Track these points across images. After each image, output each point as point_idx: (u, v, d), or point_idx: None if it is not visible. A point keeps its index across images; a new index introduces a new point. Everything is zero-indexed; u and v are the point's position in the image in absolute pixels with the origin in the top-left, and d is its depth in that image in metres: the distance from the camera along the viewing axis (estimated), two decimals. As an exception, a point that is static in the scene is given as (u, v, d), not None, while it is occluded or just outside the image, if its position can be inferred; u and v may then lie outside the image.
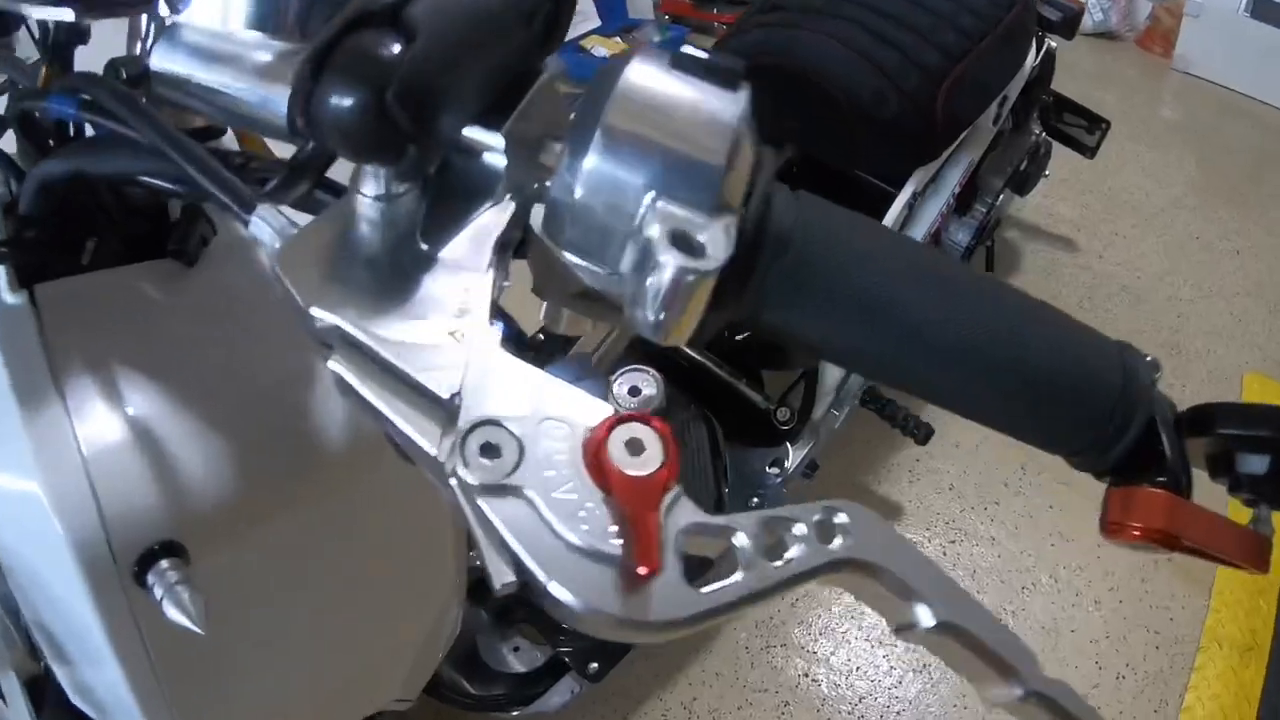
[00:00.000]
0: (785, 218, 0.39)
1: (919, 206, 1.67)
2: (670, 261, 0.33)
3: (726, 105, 0.37)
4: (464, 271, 0.39)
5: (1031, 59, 1.90)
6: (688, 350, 1.57)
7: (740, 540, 0.34)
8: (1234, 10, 3.48)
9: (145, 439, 0.57)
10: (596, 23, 3.41)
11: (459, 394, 0.34)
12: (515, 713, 1.41)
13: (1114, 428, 0.43)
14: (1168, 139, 3.29)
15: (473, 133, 0.39)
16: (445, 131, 0.38)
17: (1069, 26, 1.98)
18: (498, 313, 0.38)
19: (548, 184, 0.37)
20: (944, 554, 1.90)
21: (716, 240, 0.34)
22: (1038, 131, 2.20)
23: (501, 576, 0.31)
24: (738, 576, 0.34)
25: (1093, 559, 1.88)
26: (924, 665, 1.69)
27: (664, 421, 0.33)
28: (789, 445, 1.64)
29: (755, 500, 1.61)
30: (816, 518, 0.36)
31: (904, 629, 0.38)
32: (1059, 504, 1.96)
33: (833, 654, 1.72)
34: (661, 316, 0.34)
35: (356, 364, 0.35)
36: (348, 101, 0.34)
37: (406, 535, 0.79)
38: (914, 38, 1.53)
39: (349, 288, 0.37)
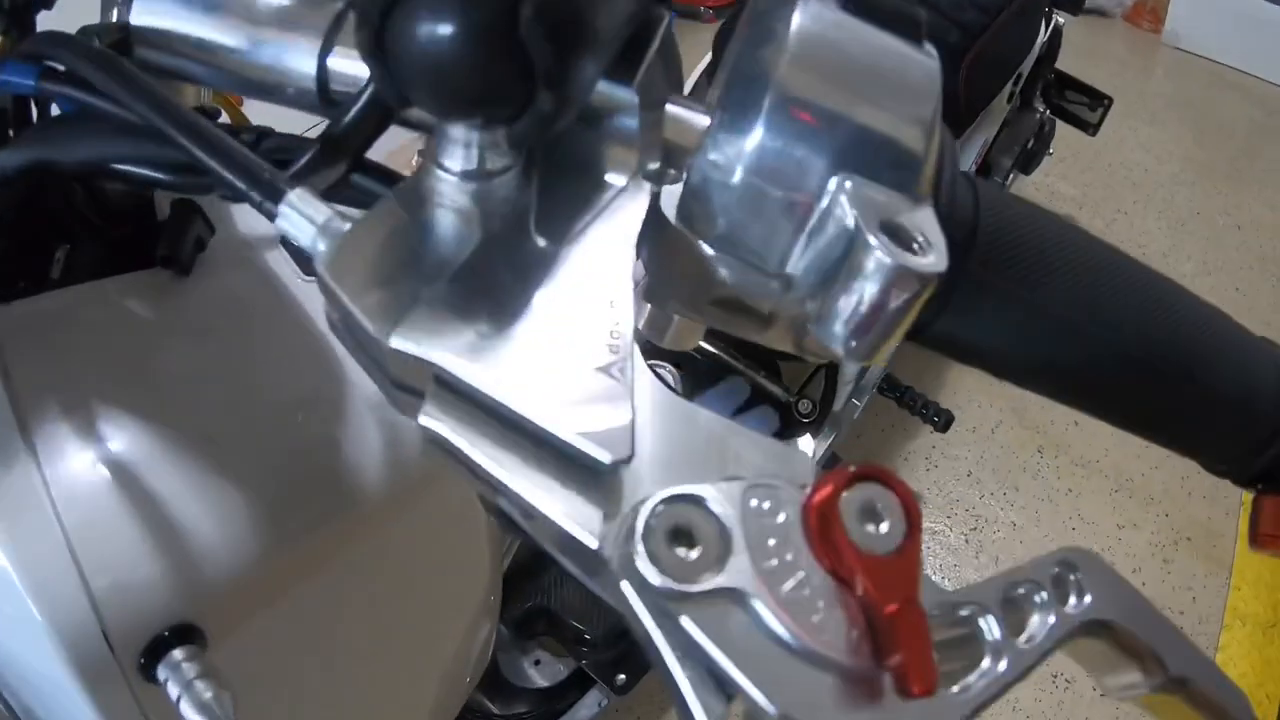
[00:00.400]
0: (966, 207, 0.32)
1: None
2: (887, 260, 0.24)
3: (922, 64, 0.29)
4: (605, 278, 0.28)
5: (1041, 35, 1.86)
6: (701, 342, 1.50)
7: (988, 625, 0.27)
8: (1223, -17, 3.50)
9: (140, 495, 0.44)
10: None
11: (629, 459, 0.24)
12: None
13: (1268, 433, 0.40)
14: (1163, 114, 3.29)
15: (601, 88, 0.29)
16: (587, 78, 0.27)
17: (1074, 2, 1.97)
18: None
19: (690, 164, 0.28)
20: (966, 542, 1.86)
21: (934, 235, 0.25)
22: (1042, 109, 2.18)
23: (710, 715, 0.21)
24: (986, 664, 0.26)
25: (1114, 541, 1.87)
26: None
27: (899, 479, 0.24)
28: (810, 437, 1.56)
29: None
30: (1054, 572, 0.29)
31: (1126, 689, 0.32)
32: (1077, 487, 1.95)
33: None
34: (863, 336, 0.25)
35: (463, 419, 0.24)
36: (456, 25, 0.23)
37: (445, 565, 0.69)
38: (935, 15, 1.48)
39: (439, 307, 0.26)
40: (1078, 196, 2.84)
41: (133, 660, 0.42)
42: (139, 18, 0.37)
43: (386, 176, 0.34)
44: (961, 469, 1.93)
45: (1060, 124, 2.29)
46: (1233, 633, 1.77)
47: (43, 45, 0.38)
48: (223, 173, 0.30)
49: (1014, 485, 1.91)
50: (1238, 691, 0.35)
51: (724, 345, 1.49)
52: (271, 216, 0.28)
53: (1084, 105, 2.31)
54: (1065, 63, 2.18)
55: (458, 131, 0.27)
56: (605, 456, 0.24)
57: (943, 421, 1.65)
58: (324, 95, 0.35)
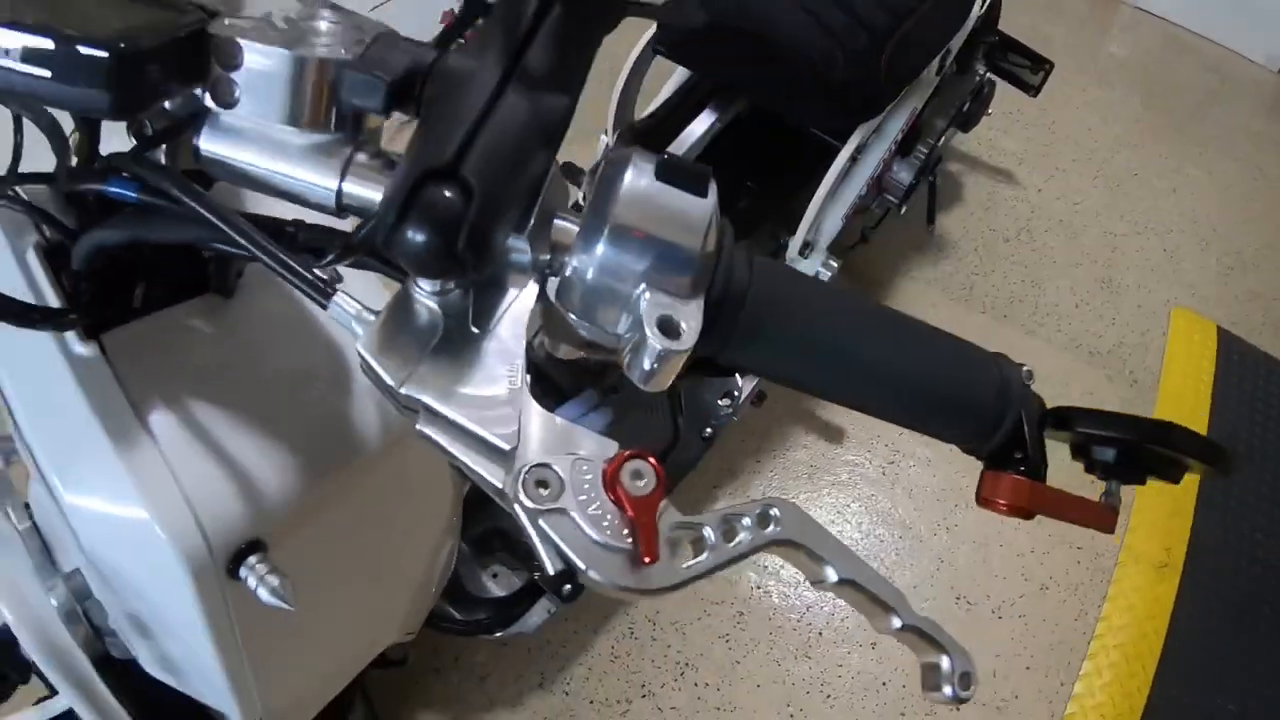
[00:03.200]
0: (741, 279, 0.49)
1: (861, 158, 1.73)
2: (657, 346, 0.44)
3: (700, 208, 0.46)
4: (508, 347, 0.48)
5: (977, 9, 1.94)
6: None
7: (707, 532, 0.47)
8: (1186, -56, 3.43)
9: (221, 456, 0.65)
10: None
11: (516, 446, 0.44)
12: (499, 634, 1.50)
13: (990, 424, 0.54)
14: (1114, 75, 3.29)
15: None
16: (497, 253, 0.46)
17: None
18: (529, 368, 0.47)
19: (564, 262, 0.47)
20: (884, 474, 2.06)
21: (691, 325, 0.45)
22: (982, 71, 2.23)
23: (555, 567, 0.42)
24: (705, 556, 0.46)
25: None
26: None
27: (657, 458, 0.44)
28: (739, 377, 1.71)
29: (709, 430, 1.72)
30: (758, 512, 0.48)
31: (817, 583, 0.51)
32: (992, 428, 2.08)
33: (782, 568, 1.84)
34: (650, 379, 0.45)
35: (439, 426, 0.45)
36: (426, 246, 0.42)
37: (421, 495, 0.88)
38: None
39: (423, 366, 0.45)
40: (1018, 153, 2.87)
41: (223, 566, 0.62)
42: (205, 147, 0.49)
43: (385, 264, 0.53)
44: (882, 406, 2.08)
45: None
46: (1126, 569, 1.93)
47: (142, 170, 0.54)
48: (288, 279, 0.48)
49: (929, 423, 2.07)
50: (891, 588, 0.52)
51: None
52: (324, 306, 0.47)
53: (1026, 68, 2.35)
54: (1026, 17, 2.23)
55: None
56: (506, 445, 0.43)
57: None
58: (339, 207, 0.49)
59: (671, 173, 0.47)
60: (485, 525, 1.48)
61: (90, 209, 0.64)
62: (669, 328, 0.44)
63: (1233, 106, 3.26)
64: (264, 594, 0.60)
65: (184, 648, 0.70)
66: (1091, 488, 0.56)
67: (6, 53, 0.45)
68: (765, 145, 1.85)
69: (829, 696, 1.75)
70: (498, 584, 1.54)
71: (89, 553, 0.64)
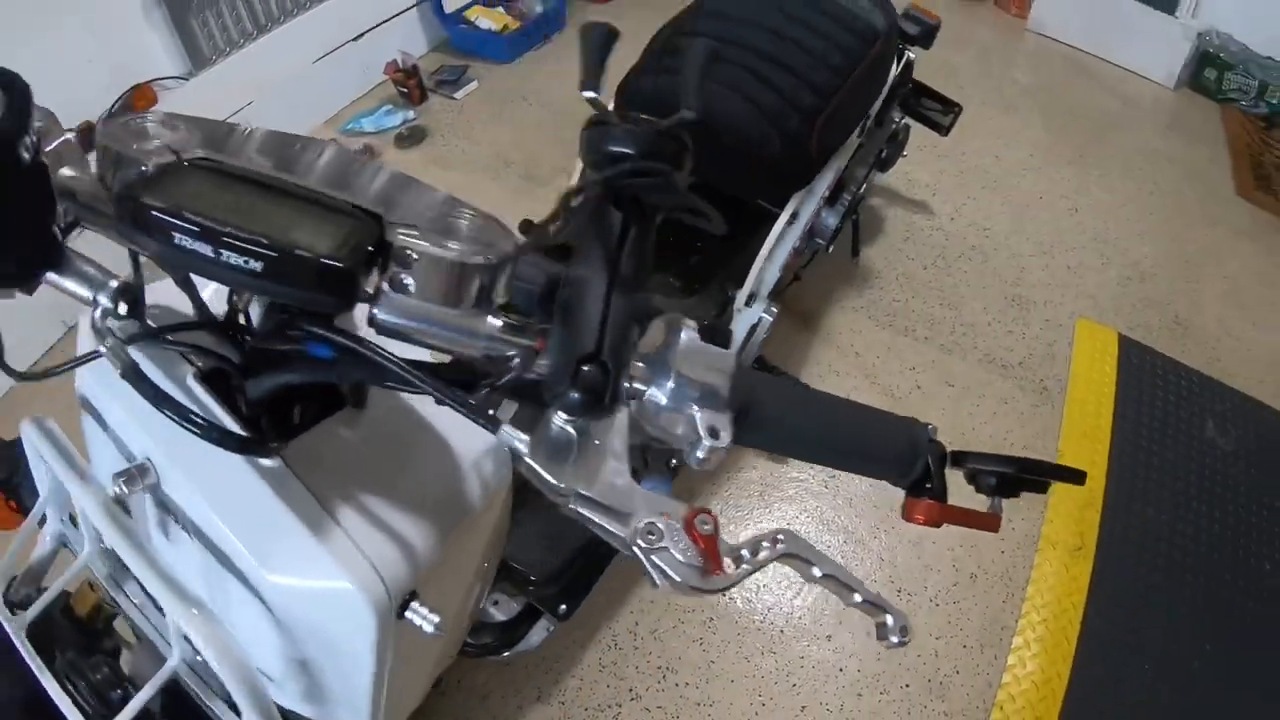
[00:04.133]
0: (749, 394, 0.70)
1: (796, 220, 1.98)
2: (708, 444, 0.66)
3: (727, 356, 0.69)
4: (617, 450, 0.68)
5: (893, 72, 2.19)
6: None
7: (744, 552, 0.69)
8: (1086, -30, 3.66)
9: (385, 530, 0.82)
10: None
11: (633, 514, 0.65)
12: (505, 654, 1.65)
13: (906, 467, 0.76)
14: (1018, 102, 3.55)
15: None
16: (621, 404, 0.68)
17: (927, 38, 2.28)
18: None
19: (643, 391, 0.67)
20: (826, 487, 2.30)
21: (727, 431, 0.69)
22: (898, 118, 2.48)
23: (660, 582, 0.63)
24: (744, 565, 0.69)
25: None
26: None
27: (713, 512, 0.65)
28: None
29: (674, 461, 1.91)
30: (772, 538, 0.71)
31: (809, 579, 0.73)
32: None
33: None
34: (703, 465, 0.69)
35: (584, 505, 0.64)
36: (584, 403, 0.64)
37: (487, 549, 1.09)
38: (792, 80, 1.78)
39: (569, 469, 0.65)
40: (932, 184, 3.12)
41: (396, 611, 0.80)
42: (381, 318, 0.63)
43: (523, 397, 0.71)
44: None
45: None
46: (1045, 554, 2.16)
47: (340, 338, 0.67)
48: (465, 414, 0.65)
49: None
50: (854, 576, 0.73)
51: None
52: (493, 433, 0.64)
53: (938, 111, 2.64)
54: (937, 50, 2.43)
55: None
56: (627, 511, 0.64)
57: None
58: (487, 359, 0.67)
59: (707, 334, 0.70)
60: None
61: (251, 349, 0.81)
62: (714, 433, 0.66)
63: (1131, 126, 3.51)
64: (427, 628, 0.80)
65: (342, 680, 0.89)
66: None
67: (249, 264, 0.59)
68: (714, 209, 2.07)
69: (794, 685, 1.96)
70: (500, 610, 1.67)
71: (282, 616, 0.82)
